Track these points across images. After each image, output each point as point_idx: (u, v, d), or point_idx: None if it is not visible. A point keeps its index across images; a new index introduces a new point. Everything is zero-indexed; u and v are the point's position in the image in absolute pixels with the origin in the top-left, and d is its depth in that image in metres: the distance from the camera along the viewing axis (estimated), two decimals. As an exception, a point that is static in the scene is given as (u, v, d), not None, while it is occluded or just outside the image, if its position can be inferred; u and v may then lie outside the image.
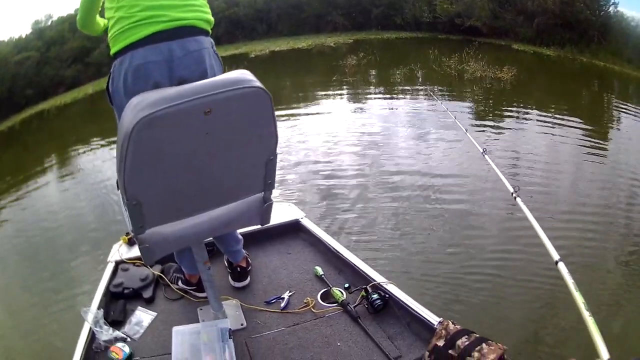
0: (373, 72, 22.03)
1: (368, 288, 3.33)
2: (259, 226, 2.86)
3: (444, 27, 30.88)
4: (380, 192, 8.24)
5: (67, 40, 28.82)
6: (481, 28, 28.18)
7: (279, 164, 2.68)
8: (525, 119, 13.38)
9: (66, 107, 23.64)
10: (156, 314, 3.38)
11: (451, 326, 2.73)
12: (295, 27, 35.54)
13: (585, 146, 10.61)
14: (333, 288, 3.51)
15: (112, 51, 2.64)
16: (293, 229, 4.46)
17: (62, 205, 9.68)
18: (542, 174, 8.78)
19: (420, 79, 19.37)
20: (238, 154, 2.38)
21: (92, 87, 26.14)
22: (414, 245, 6.49)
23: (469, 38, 26.17)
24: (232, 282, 3.71)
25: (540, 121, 12.73)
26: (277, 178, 2.69)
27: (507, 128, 12.21)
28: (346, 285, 3.56)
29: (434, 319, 2.94)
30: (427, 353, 2.69)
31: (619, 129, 12.91)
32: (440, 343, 2.66)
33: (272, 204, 2.75)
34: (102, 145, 13.85)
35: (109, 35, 2.66)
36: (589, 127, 12.16)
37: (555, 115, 13.07)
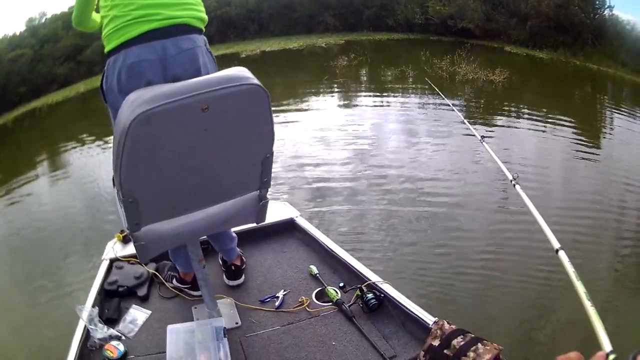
0: (364, 73, 21.96)
1: (363, 287, 3.33)
2: (254, 224, 2.85)
3: (436, 29, 30.76)
4: (371, 190, 8.24)
5: (61, 38, 28.72)
6: (474, 30, 28.08)
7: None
8: (518, 121, 13.40)
9: (58, 106, 23.55)
10: (151, 312, 3.37)
11: (446, 326, 2.72)
12: (287, 27, 35.39)
13: (578, 147, 10.66)
14: (328, 287, 3.51)
15: (106, 49, 2.64)
16: (288, 227, 4.45)
17: (54, 202, 9.63)
18: (534, 174, 8.79)
19: (411, 81, 19.34)
20: (235, 152, 2.37)
21: (84, 85, 26.01)
22: (406, 244, 6.50)
23: (461, 40, 26.05)
24: (226, 280, 3.71)
25: (533, 123, 12.75)
26: (267, 177, 2.67)
27: (498, 129, 12.23)
28: (341, 285, 3.56)
29: (429, 319, 2.94)
30: (422, 353, 2.69)
31: (611, 131, 12.96)
32: (436, 343, 2.65)
33: (267, 202, 2.74)
34: (94, 144, 13.79)
35: (103, 33, 2.66)
36: (582, 129, 12.23)
37: (548, 117, 13.10)
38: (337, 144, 11.01)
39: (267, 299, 3.50)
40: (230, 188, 2.56)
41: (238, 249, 3.76)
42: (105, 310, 3.33)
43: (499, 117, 13.70)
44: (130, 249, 3.87)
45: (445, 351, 2.58)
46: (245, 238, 4.08)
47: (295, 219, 4.47)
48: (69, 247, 7.24)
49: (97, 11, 2.90)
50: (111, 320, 3.25)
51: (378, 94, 17.12)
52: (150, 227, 2.37)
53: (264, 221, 2.82)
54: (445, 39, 28.60)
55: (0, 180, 11.66)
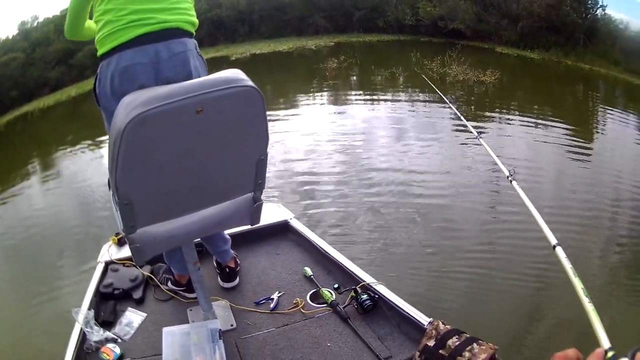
0: (354, 75, 21.93)
1: (357, 288, 3.34)
2: (248, 227, 2.87)
3: (427, 30, 30.68)
4: (362, 191, 8.24)
5: (52, 41, 28.61)
6: (464, 31, 28.03)
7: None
8: (509, 121, 13.41)
9: (50, 109, 23.48)
10: (146, 314, 3.37)
11: (441, 326, 2.73)
12: (277, 29, 35.23)
13: (570, 146, 10.69)
14: (322, 289, 3.52)
15: (99, 53, 2.67)
16: (282, 229, 4.46)
17: (47, 205, 9.61)
18: (526, 174, 8.80)
19: (402, 82, 19.33)
20: (229, 154, 2.38)
21: (75, 89, 25.94)
22: (398, 244, 6.52)
23: (451, 41, 25.96)
24: (221, 282, 3.71)
25: (524, 123, 12.76)
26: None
27: (490, 130, 12.25)
28: (335, 286, 3.57)
29: (424, 319, 2.95)
30: (418, 353, 2.70)
31: (604, 130, 13.03)
32: (431, 343, 2.66)
33: (262, 204, 2.75)
34: (85, 147, 13.74)
35: (97, 37, 2.70)
36: (573, 129, 12.24)
37: (540, 118, 13.12)
38: (327, 145, 11.01)
39: (261, 300, 3.51)
40: (224, 190, 2.57)
41: (232, 251, 3.76)
42: (101, 313, 3.33)
43: (490, 118, 13.71)
44: (126, 252, 3.87)
45: (440, 351, 2.59)
46: (240, 240, 4.09)
47: (289, 221, 4.48)
48: (61, 249, 7.24)
49: (91, 18, 2.91)
50: (107, 323, 3.25)
51: (368, 95, 17.05)
52: (146, 229, 2.38)
53: (258, 223, 2.84)
54: (436, 40, 28.58)
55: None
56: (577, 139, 11.24)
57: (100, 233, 6.82)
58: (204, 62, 2.90)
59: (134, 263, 3.73)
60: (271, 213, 4.51)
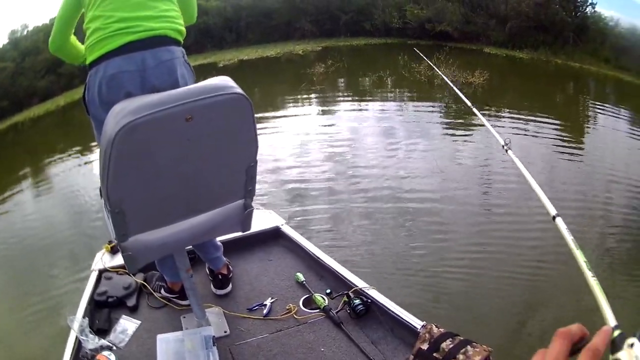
0: (341, 79, 21.84)
1: (350, 293, 3.35)
2: (240, 233, 2.87)
3: (414, 33, 30.53)
4: (352, 194, 8.27)
5: (42, 50, 28.44)
6: (452, 33, 27.92)
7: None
8: (499, 121, 13.42)
9: (40, 119, 23.43)
10: (140, 322, 3.37)
11: (435, 329, 2.73)
12: (265, 35, 35.12)
13: (561, 144, 10.75)
14: (315, 294, 3.52)
15: (88, 61, 2.69)
16: (273, 235, 4.46)
17: (39, 214, 9.63)
18: (516, 174, 8.85)
19: (389, 86, 19.34)
20: (219, 161, 2.40)
21: (64, 98, 25.89)
22: (390, 247, 6.54)
23: (439, 43, 25.83)
24: (214, 289, 3.71)
25: (514, 123, 12.79)
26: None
27: (479, 132, 12.26)
28: (328, 291, 3.57)
29: (417, 323, 2.95)
30: (412, 357, 2.70)
31: (595, 128, 13.09)
32: (425, 346, 2.66)
33: (252, 210, 2.76)
34: (76, 156, 13.74)
35: (85, 45, 2.71)
36: (565, 127, 12.30)
37: (529, 117, 13.13)
38: (316, 150, 11.04)
39: (255, 307, 3.51)
40: (215, 197, 2.58)
41: (224, 258, 3.76)
42: (96, 321, 3.33)
43: (478, 119, 13.73)
44: (119, 260, 3.87)
45: (434, 354, 2.59)
46: (232, 247, 4.09)
47: (280, 227, 4.48)
48: (55, 257, 7.24)
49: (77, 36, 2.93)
50: (102, 331, 3.25)
51: (356, 100, 17.01)
52: (138, 237, 2.38)
53: (249, 229, 2.85)
54: (423, 43, 28.49)
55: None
56: (568, 138, 11.29)
57: (93, 241, 6.83)
58: (192, 70, 2.91)
59: (127, 271, 3.73)
60: (262, 219, 4.51)
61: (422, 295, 5.47)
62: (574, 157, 9.94)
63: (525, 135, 11.61)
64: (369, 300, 3.28)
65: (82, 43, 2.90)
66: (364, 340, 3.06)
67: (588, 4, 25.04)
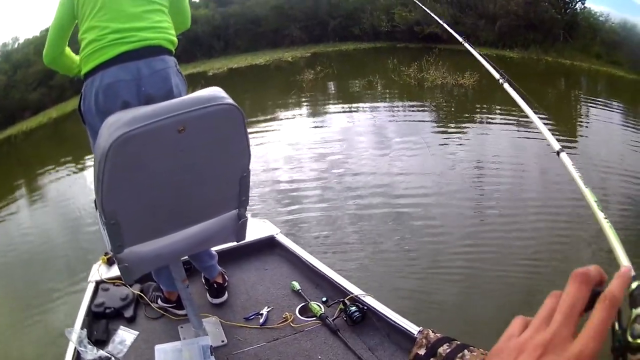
0: (331, 85, 21.87)
1: (346, 301, 3.34)
2: (235, 243, 2.88)
3: (403, 36, 30.48)
4: (346, 203, 8.23)
5: (33, 63, 28.43)
6: (441, 34, 27.49)
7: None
8: (490, 121, 13.48)
9: (32, 132, 23.41)
10: (138, 332, 3.38)
11: (431, 334, 2.74)
12: (253, 42, 34.99)
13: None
14: (311, 302, 3.52)
15: (83, 71, 2.73)
16: (268, 245, 4.47)
17: (35, 226, 9.64)
18: (509, 170, 8.90)
19: (379, 90, 19.33)
20: (212, 171, 2.41)
21: (56, 111, 25.90)
22: (383, 251, 6.56)
23: (428, 45, 25.74)
24: (210, 299, 3.72)
25: (506, 123, 12.79)
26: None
27: (471, 132, 12.31)
28: (324, 299, 3.57)
29: (413, 329, 2.95)
30: (409, 362, 2.70)
31: (588, 124, 13.13)
32: (422, 352, 2.66)
33: (246, 220, 2.77)
34: (69, 167, 13.73)
35: (80, 56, 2.74)
36: (557, 124, 12.24)
37: (521, 116, 13.12)
38: (308, 157, 11.06)
39: (251, 316, 3.51)
40: (209, 207, 2.59)
41: (219, 267, 3.77)
42: (94, 332, 3.34)
43: (471, 120, 13.80)
44: (115, 271, 3.87)
45: (431, 359, 2.59)
46: (227, 257, 4.10)
47: (275, 236, 4.49)
48: (51, 269, 7.24)
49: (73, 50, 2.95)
50: (100, 342, 3.26)
51: (347, 105, 16.87)
52: (133, 248, 2.39)
53: (244, 239, 2.85)
54: (412, 46, 28.49)
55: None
56: (561, 135, 11.26)
57: (89, 252, 6.82)
58: (184, 78, 2.97)
59: (123, 282, 3.74)
60: (257, 229, 4.52)
61: (421, 297, 5.50)
62: (566, 150, 9.95)
63: (517, 133, 11.63)
64: (365, 307, 3.28)
65: (76, 54, 2.92)
66: (360, 347, 3.06)
67: (577, 0, 25.12)
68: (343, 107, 16.77)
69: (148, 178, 2.20)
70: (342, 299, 3.37)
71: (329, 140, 12.27)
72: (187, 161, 2.28)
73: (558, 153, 2.21)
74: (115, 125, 2.04)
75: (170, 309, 3.58)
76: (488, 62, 3.11)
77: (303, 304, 3.59)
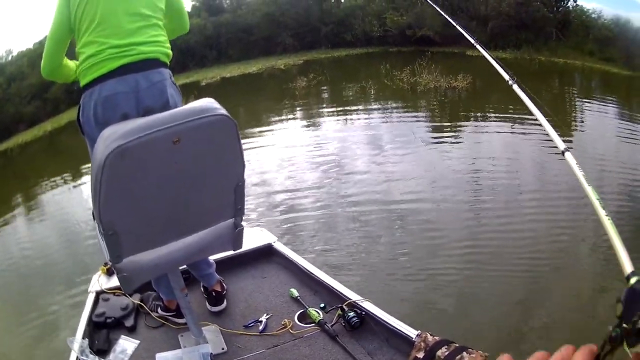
0: (324, 92, 21.91)
1: (344, 306, 3.36)
2: (233, 252, 2.90)
3: (395, 40, 30.47)
4: (342, 210, 8.20)
5: (27, 76, 28.40)
6: (433, 37, 27.59)
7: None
8: (485, 123, 13.46)
9: (28, 145, 23.39)
10: (139, 341, 3.39)
11: (430, 338, 2.75)
12: (245, 51, 34.88)
13: (549, 141, 10.70)
14: (309, 308, 3.53)
15: (82, 84, 2.79)
16: (266, 253, 4.48)
17: (33, 238, 9.66)
18: (505, 171, 8.91)
19: (372, 96, 19.30)
20: (208, 181, 2.44)
21: (51, 124, 25.92)
22: (380, 254, 6.60)
23: (421, 49, 25.60)
24: (209, 307, 3.73)
25: (500, 124, 12.84)
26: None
27: (465, 135, 12.33)
28: (322, 305, 3.59)
29: (412, 332, 2.96)
30: (407, 365, 2.72)
31: (583, 122, 13.12)
32: (420, 355, 2.68)
33: (243, 229, 2.79)
34: (66, 179, 13.76)
35: (78, 69, 2.77)
36: (553, 123, 12.26)
37: (516, 117, 13.09)
38: (302, 163, 11.09)
39: (250, 323, 3.52)
40: (205, 217, 2.62)
41: (217, 275, 3.79)
42: (95, 342, 3.35)
43: (465, 122, 13.82)
44: (115, 281, 3.89)
45: (430, 362, 2.61)
46: (226, 266, 4.11)
47: (272, 244, 4.50)
48: (51, 280, 7.24)
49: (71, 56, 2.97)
50: (102, 351, 3.27)
51: (340, 111, 16.80)
52: (132, 258, 2.41)
53: (240, 248, 2.88)
54: (405, 49, 28.44)
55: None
56: (558, 132, 11.28)
57: (88, 262, 6.84)
58: (178, 89, 3.02)
59: (123, 292, 3.75)
60: (255, 237, 4.53)
61: (420, 299, 5.52)
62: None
63: (513, 134, 11.66)
64: (363, 312, 3.29)
65: (70, 59, 2.95)
66: (360, 352, 3.07)
67: (569, -2, 25.09)
68: (337, 113, 16.73)
69: (144, 189, 2.24)
70: (340, 305, 3.39)
71: (323, 147, 12.29)
72: (183, 171, 2.31)
73: (563, 153, 2.18)
74: (111, 137, 2.07)
75: (170, 317, 3.60)
76: (498, 63, 3.08)
77: (302, 310, 3.61)
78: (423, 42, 27.96)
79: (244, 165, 2.54)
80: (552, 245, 6.33)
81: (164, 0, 2.98)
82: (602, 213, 1.64)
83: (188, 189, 2.39)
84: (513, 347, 4.60)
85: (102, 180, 2.06)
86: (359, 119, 15.61)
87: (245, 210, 2.76)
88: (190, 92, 20.30)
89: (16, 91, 28.52)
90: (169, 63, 2.97)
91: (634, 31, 20.76)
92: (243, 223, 2.78)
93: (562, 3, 25.33)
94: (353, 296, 3.48)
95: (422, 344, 2.73)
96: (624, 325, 0.67)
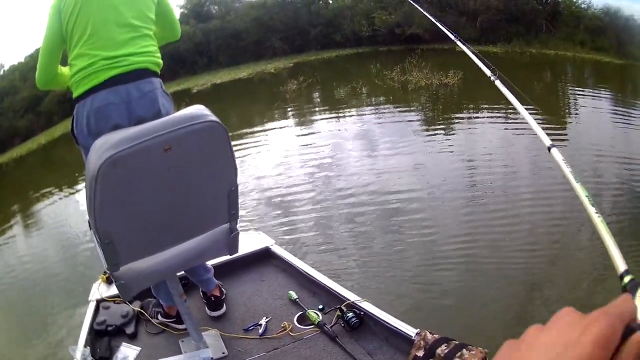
0: (315, 94, 21.90)
1: (343, 307, 3.37)
2: (230, 256, 2.91)
3: (384, 39, 30.12)
4: (339, 211, 8.16)
5: (19, 89, 28.41)
6: (422, 35, 27.27)
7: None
8: (478, 118, 13.45)
9: (22, 159, 23.36)
10: (140, 348, 3.41)
11: (429, 336, 2.76)
12: (235, 56, 34.59)
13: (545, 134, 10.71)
14: (308, 310, 3.55)
15: (75, 95, 2.82)
16: (264, 256, 4.49)
17: (32, 250, 9.69)
18: (500, 166, 8.94)
19: (364, 96, 19.20)
20: (200, 187, 2.47)
21: (44, 137, 25.91)
22: (377, 253, 6.59)
23: (410, 47, 25.38)
24: (209, 312, 3.75)
25: (493, 119, 12.85)
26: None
27: (459, 131, 12.33)
28: (321, 307, 3.61)
29: (411, 331, 2.97)
30: (408, 364, 2.72)
31: (577, 113, 13.10)
32: (420, 353, 2.69)
33: (238, 233, 2.81)
34: (63, 190, 13.77)
35: (71, 81, 2.78)
36: (546, 116, 12.21)
37: (508, 111, 13.03)
38: (295, 165, 11.09)
39: (250, 327, 3.54)
40: (200, 223, 2.64)
41: (216, 280, 3.80)
42: (97, 350, 3.37)
43: (458, 118, 13.78)
44: (115, 289, 3.89)
45: (430, 360, 2.62)
46: (224, 270, 4.13)
47: (270, 247, 4.51)
48: (51, 290, 7.27)
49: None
50: (104, 359, 3.30)
51: (332, 113, 16.67)
52: (129, 266, 2.43)
53: (237, 252, 2.90)
54: (395, 48, 28.24)
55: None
56: (550, 126, 11.23)
57: (88, 271, 6.85)
58: (170, 98, 3.03)
59: (122, 299, 3.77)
60: (252, 241, 4.55)
61: (419, 296, 5.52)
62: (557, 143, 9.94)
63: (506, 128, 11.68)
64: (362, 313, 3.31)
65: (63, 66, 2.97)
66: (359, 352, 3.08)
67: (558, -12, 24.93)
68: (329, 115, 16.61)
69: (138, 197, 2.26)
70: (339, 306, 3.40)
71: (316, 148, 12.26)
72: (176, 179, 2.34)
73: (549, 149, 2.19)
74: (102, 147, 2.09)
75: (170, 323, 3.61)
76: (480, 58, 3.08)
77: (301, 312, 3.61)
78: (412, 40, 27.72)
79: (236, 171, 2.56)
80: (548, 237, 6.34)
81: (154, 10, 3.00)
82: (591, 210, 1.65)
83: (181, 196, 2.41)
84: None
85: (96, 190, 2.09)
86: (350, 120, 15.51)
87: (241, 214, 2.77)
88: (182, 99, 20.24)
89: (9, 105, 28.47)
90: (159, 72, 2.99)
91: (624, 20, 20.69)
92: (239, 227, 2.80)
93: (552, -6, 25.20)
94: (351, 297, 3.49)
95: (422, 342, 2.74)
96: None
